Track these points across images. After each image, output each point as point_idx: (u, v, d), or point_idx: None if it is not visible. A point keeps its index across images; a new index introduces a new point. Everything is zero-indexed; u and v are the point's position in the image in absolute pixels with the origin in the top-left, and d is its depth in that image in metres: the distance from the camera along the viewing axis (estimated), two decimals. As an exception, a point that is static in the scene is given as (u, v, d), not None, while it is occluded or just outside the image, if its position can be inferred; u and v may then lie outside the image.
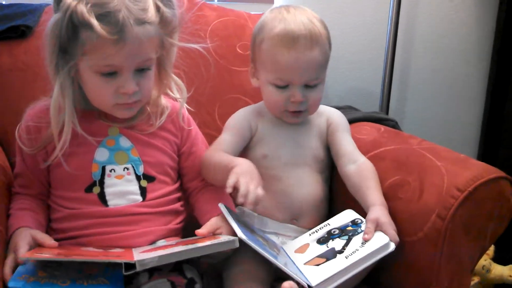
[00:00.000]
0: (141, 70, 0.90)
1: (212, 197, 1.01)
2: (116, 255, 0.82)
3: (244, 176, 0.87)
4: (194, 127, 1.06)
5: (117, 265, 0.80)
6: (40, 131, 0.93)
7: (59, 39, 0.85)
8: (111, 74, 0.87)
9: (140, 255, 0.81)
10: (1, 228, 0.87)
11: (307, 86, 1.04)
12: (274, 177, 1.07)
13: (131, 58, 0.87)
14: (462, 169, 0.94)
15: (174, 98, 1.02)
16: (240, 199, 0.85)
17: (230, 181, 0.86)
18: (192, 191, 1.05)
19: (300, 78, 1.02)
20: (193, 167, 1.04)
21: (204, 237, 0.90)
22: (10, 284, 0.73)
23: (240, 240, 0.83)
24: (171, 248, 0.83)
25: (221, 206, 0.94)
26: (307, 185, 1.08)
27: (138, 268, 0.77)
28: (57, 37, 0.85)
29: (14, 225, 0.89)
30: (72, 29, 0.84)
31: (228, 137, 1.08)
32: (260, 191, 0.86)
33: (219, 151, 1.02)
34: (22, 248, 0.82)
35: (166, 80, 0.99)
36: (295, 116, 1.07)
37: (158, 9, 0.89)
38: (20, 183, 0.96)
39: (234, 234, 0.85)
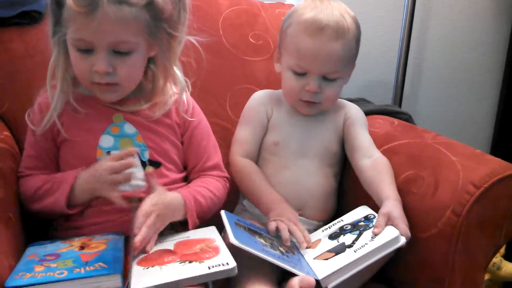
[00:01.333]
0: (119, 53, 0.89)
1: (192, 185, 1.01)
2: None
3: (281, 221, 0.95)
4: (198, 118, 1.05)
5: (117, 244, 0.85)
6: (49, 107, 0.94)
7: (53, 12, 0.89)
8: (87, 51, 0.88)
9: (138, 278, 0.79)
10: (11, 215, 0.86)
11: (326, 79, 1.03)
12: (283, 165, 1.08)
13: (101, 36, 0.86)
14: (478, 164, 0.92)
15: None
16: (286, 243, 0.92)
17: (271, 228, 0.94)
18: (188, 182, 1.04)
19: (319, 68, 1.02)
20: (193, 158, 1.04)
21: (201, 246, 0.88)
22: (6, 284, 0.73)
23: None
24: (169, 265, 0.81)
25: (222, 213, 0.93)
26: (315, 177, 1.08)
27: None
28: (52, 10, 0.89)
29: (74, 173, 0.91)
30: (57, 3, 0.88)
31: (248, 133, 1.10)
32: (306, 235, 0.96)
33: (255, 172, 1.06)
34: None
35: (170, 71, 0.98)
36: (308, 106, 1.07)
37: None
38: (31, 165, 0.96)
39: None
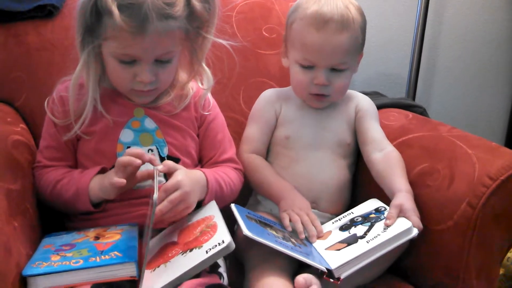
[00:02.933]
0: (161, 62, 0.90)
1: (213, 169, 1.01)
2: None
3: (292, 212, 0.96)
4: (215, 111, 1.05)
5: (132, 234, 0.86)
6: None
7: (85, 19, 0.86)
8: (130, 62, 0.88)
9: (146, 283, 0.78)
10: (28, 206, 0.87)
11: (334, 70, 1.03)
12: (295, 159, 1.08)
13: (150, 51, 0.87)
14: (494, 157, 0.92)
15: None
16: (301, 236, 0.93)
17: (286, 223, 0.95)
18: None
19: (326, 61, 1.02)
20: (208, 151, 1.04)
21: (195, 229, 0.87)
22: (24, 272, 0.74)
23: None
24: (173, 260, 0.81)
25: (232, 206, 0.93)
26: (328, 169, 1.08)
27: None
28: (84, 17, 0.86)
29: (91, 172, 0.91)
30: (96, 13, 0.85)
31: (256, 131, 1.10)
32: (318, 224, 0.97)
33: (262, 164, 1.07)
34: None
35: (197, 68, 0.98)
36: (318, 100, 1.07)
37: (188, 2, 0.88)
38: (50, 155, 0.96)
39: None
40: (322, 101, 1.07)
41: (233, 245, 0.79)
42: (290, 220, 0.96)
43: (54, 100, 0.95)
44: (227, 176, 0.99)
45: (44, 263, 0.76)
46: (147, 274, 0.80)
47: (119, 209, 0.92)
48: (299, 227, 0.94)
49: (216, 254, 0.78)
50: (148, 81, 0.89)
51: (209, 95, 1.05)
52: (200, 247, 0.81)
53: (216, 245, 0.79)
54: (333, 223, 1.01)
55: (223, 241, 0.79)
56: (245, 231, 0.84)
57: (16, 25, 1.10)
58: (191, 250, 0.81)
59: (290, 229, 0.95)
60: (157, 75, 0.90)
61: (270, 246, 0.84)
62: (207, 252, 0.79)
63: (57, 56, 1.09)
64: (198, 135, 1.03)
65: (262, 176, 1.05)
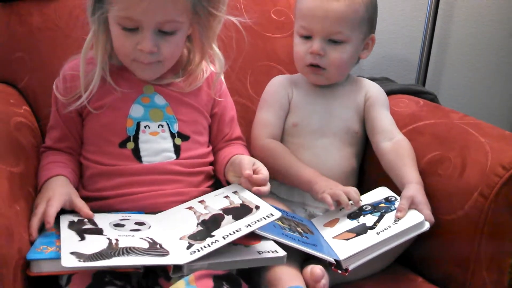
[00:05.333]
0: (164, 33, 0.88)
1: (233, 148, 1.03)
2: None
3: (332, 190, 0.94)
4: (225, 92, 1.06)
5: None
6: (74, 79, 0.92)
7: None
8: (132, 29, 0.87)
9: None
10: (30, 190, 0.86)
11: (331, 42, 1.03)
12: (302, 145, 1.07)
13: (150, 14, 0.85)
14: (507, 146, 0.90)
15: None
16: (347, 208, 0.94)
17: (329, 201, 0.93)
18: (214, 152, 1.05)
19: (320, 27, 1.02)
20: (219, 132, 1.04)
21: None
22: (28, 256, 0.73)
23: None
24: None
25: None
26: (335, 156, 1.07)
27: (186, 273, 0.74)
28: None
29: (46, 175, 0.88)
30: None
31: (271, 115, 1.09)
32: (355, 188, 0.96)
33: (287, 151, 1.04)
34: (54, 207, 0.80)
35: (207, 49, 0.97)
36: (314, 72, 1.06)
37: None
38: (52, 135, 0.96)
39: None
40: (318, 74, 1.06)
41: (285, 260, 0.80)
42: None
43: (59, 79, 0.94)
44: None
45: (49, 248, 0.75)
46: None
47: (128, 188, 0.91)
48: (344, 199, 0.93)
49: (267, 260, 0.79)
50: (148, 50, 0.87)
51: (222, 78, 1.04)
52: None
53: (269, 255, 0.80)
54: (340, 209, 0.99)
55: (276, 252, 0.80)
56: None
57: (19, 5, 1.08)
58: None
59: (333, 208, 0.93)
60: (159, 47, 0.88)
61: (276, 239, 0.82)
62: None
63: (60, 36, 1.07)
64: (213, 114, 1.03)
65: (287, 162, 1.03)
